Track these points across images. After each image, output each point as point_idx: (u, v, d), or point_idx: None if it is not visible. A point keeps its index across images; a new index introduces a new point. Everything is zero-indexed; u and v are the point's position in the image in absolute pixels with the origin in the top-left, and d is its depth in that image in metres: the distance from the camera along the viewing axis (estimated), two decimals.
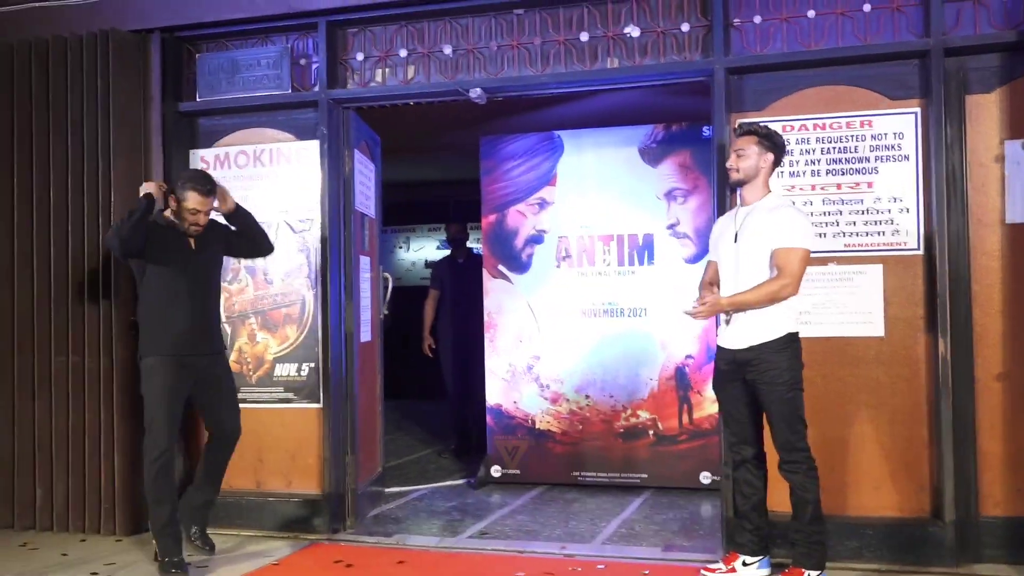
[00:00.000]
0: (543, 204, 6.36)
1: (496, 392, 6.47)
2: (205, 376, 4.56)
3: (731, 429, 4.23)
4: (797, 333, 4.03)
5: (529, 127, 6.70)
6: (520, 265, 6.42)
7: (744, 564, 4.20)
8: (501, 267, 6.45)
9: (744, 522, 4.22)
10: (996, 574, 4.18)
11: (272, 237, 5.22)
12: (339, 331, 5.15)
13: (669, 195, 6.12)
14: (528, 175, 6.39)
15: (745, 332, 4.01)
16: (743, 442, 4.17)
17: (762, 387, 3.98)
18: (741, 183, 4.11)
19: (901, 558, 4.30)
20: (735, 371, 4.09)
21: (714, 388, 4.29)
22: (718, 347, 4.21)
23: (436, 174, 10.40)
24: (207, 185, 4.45)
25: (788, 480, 3.99)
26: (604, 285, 6.23)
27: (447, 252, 8.30)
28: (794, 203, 4.32)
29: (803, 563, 3.98)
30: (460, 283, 7.48)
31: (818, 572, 3.97)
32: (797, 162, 4.56)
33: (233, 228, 4.70)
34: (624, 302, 6.21)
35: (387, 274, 5.95)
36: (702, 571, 4.24)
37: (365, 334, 5.51)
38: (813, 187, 4.54)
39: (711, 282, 4.30)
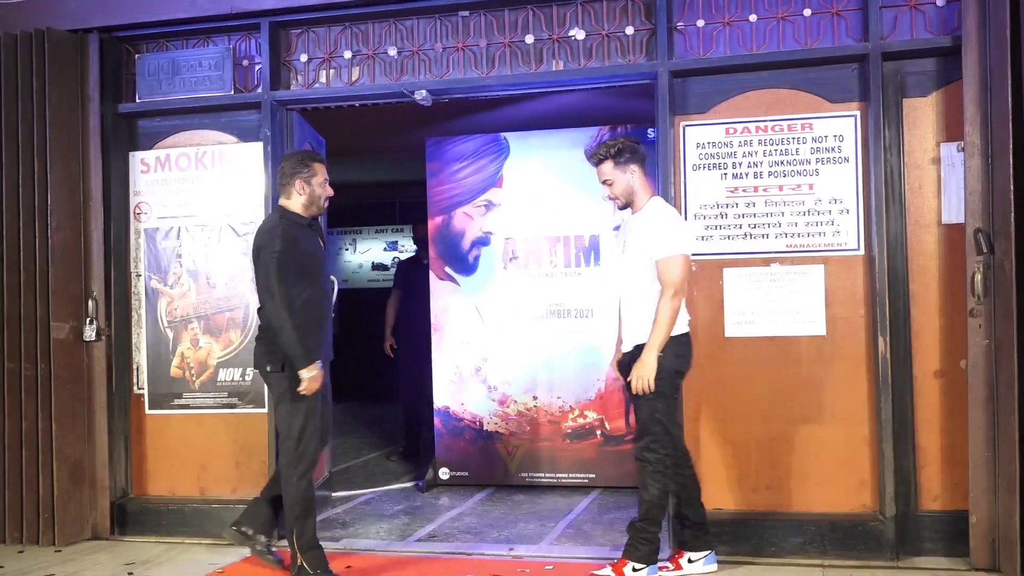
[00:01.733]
0: (489, 206, 6.36)
1: (444, 394, 6.46)
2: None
3: None
4: (683, 335, 4.16)
5: (475, 129, 6.69)
6: (467, 267, 6.42)
7: (690, 561, 4.28)
8: (448, 269, 6.44)
9: (683, 520, 4.33)
10: (935, 567, 4.27)
11: (215, 240, 5.20)
12: None
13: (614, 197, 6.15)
14: (474, 177, 6.39)
15: (631, 334, 4.18)
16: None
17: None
18: (628, 205, 4.25)
19: (843, 553, 4.38)
20: (627, 371, 4.20)
21: (624, 392, 4.39)
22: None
23: (382, 176, 10.35)
24: (318, 153, 4.39)
25: (640, 465, 4.13)
26: (551, 286, 6.25)
27: (412, 254, 8.26)
28: (663, 211, 4.32)
29: (628, 554, 4.14)
30: (422, 285, 7.41)
31: (643, 566, 4.08)
32: (740, 164, 4.62)
33: None
34: (571, 303, 6.23)
35: (333, 277, 5.89)
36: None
37: None
38: (756, 188, 4.61)
39: None
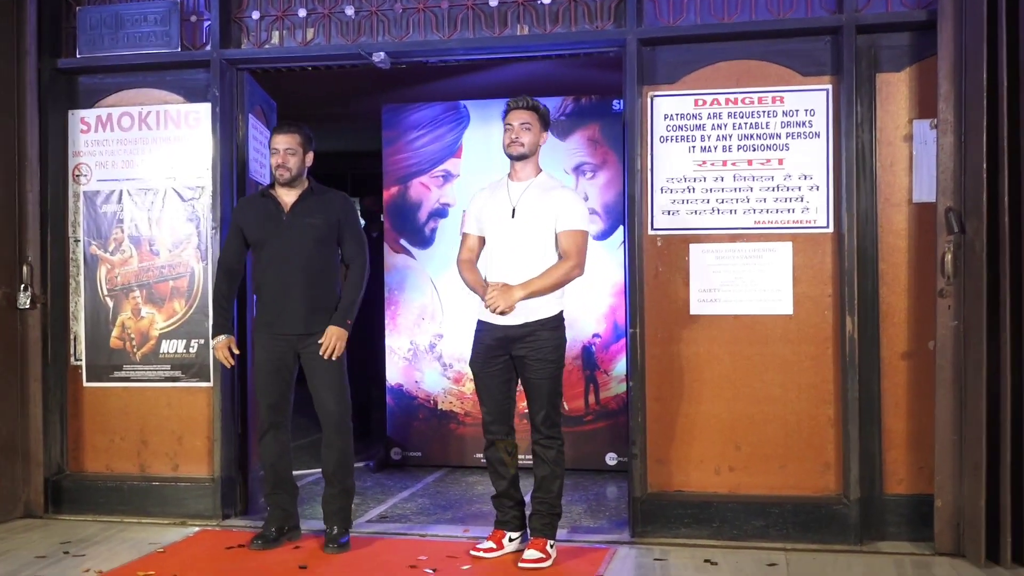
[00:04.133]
0: (448, 176, 6.28)
1: (396, 372, 6.39)
2: (304, 358, 4.42)
3: (488, 408, 4.32)
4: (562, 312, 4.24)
5: (434, 96, 6.60)
6: (423, 240, 6.34)
7: (510, 540, 4.34)
8: (403, 241, 6.35)
9: (505, 500, 4.35)
10: (899, 551, 4.29)
11: (159, 205, 5.07)
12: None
13: (578, 169, 6.11)
14: (432, 146, 6.30)
15: (520, 308, 4.09)
16: (498, 421, 4.30)
17: (532, 363, 4.14)
18: (524, 156, 4.23)
19: (807, 537, 4.39)
20: (502, 347, 4.20)
21: (474, 365, 4.36)
22: (483, 323, 4.27)
23: (335, 144, 10.21)
24: (286, 122, 4.47)
25: (543, 455, 4.19)
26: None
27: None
28: (564, 185, 4.35)
29: (548, 533, 4.20)
30: (372, 258, 7.31)
31: (554, 540, 4.21)
32: (709, 137, 4.59)
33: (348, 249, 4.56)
34: None
35: None
36: (471, 552, 4.34)
37: None
38: (724, 163, 4.58)
39: (468, 260, 4.38)
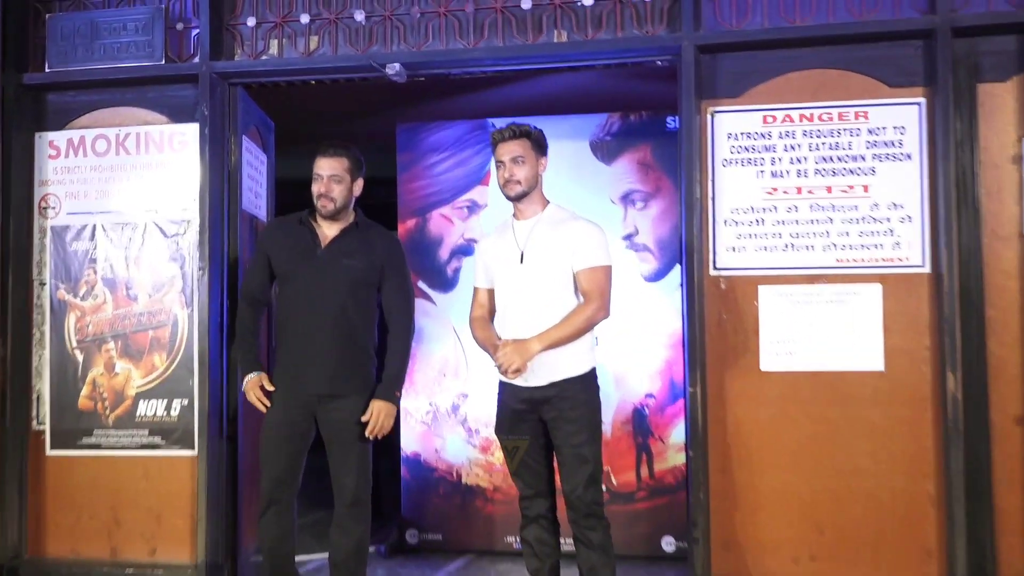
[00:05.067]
0: (474, 207, 6.27)
1: (413, 438, 6.35)
2: (324, 422, 4.37)
3: (524, 480, 4.27)
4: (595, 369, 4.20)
5: (458, 114, 6.63)
6: (445, 282, 6.33)
7: None
8: (421, 284, 6.34)
9: None
10: None
11: (138, 242, 5.09)
12: (220, 360, 5.01)
13: (626, 199, 6.08)
14: (455, 172, 6.31)
15: (546, 367, 4.07)
16: (538, 495, 4.26)
17: (564, 428, 4.08)
18: (523, 195, 4.19)
19: None
20: (531, 410, 4.16)
21: (500, 432, 4.32)
22: (506, 384, 4.24)
23: None
24: (332, 144, 4.41)
25: (587, 539, 4.09)
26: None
27: None
28: (575, 215, 4.29)
29: None
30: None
31: None
32: (780, 160, 4.58)
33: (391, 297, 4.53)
34: None
35: None
36: None
37: None
38: (799, 190, 4.56)
39: (481, 317, 4.40)
